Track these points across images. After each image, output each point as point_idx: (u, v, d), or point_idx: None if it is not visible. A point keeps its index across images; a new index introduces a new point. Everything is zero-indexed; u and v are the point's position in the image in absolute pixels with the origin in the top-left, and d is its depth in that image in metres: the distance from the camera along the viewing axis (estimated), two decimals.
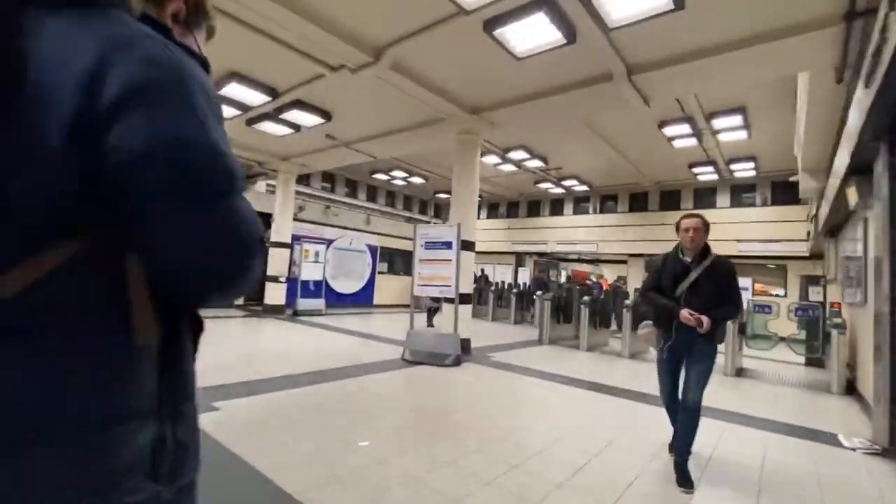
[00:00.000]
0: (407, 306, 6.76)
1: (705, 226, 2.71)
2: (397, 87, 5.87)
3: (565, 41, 4.42)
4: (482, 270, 15.18)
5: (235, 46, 5.32)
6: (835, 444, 3.61)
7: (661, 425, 3.61)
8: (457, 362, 5.73)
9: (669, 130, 9.42)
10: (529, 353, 7.27)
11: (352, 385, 4.46)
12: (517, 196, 18.58)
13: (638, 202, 15.78)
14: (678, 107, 8.40)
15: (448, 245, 6.09)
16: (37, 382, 0.45)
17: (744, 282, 10.75)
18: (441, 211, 20.90)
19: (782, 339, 7.05)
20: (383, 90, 5.99)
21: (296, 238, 11.50)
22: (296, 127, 7.93)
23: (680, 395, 2.73)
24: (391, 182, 16.77)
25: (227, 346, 6.13)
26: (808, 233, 11.04)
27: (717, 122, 8.93)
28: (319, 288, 11.53)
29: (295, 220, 11.77)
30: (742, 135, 9.41)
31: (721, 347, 7.47)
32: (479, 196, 13.78)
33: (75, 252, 0.47)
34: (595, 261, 19.88)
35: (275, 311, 10.76)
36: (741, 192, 13.79)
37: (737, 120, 8.74)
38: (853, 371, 5.66)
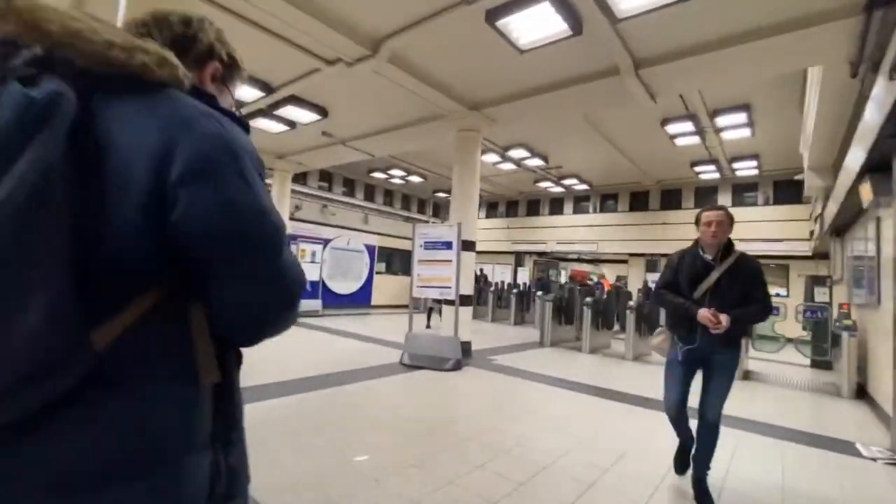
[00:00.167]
0: (405, 307, 6.58)
1: (729, 219, 2.39)
2: (395, 82, 5.68)
3: (571, 33, 4.24)
4: (481, 270, 15.00)
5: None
6: (853, 453, 3.45)
7: (671, 435, 3.44)
8: (457, 366, 5.56)
9: (672, 128, 9.26)
10: (531, 355, 7.10)
11: (349, 392, 4.28)
12: (516, 195, 18.41)
13: (639, 201, 15.63)
14: (681, 104, 8.25)
15: (448, 245, 5.91)
16: (125, 424, 0.51)
17: None
18: (440, 210, 20.71)
19: (790, 340, 6.90)
20: (381, 85, 5.80)
21: (292, 238, 11.29)
22: (291, 124, 7.72)
23: (698, 409, 2.48)
24: (389, 181, 16.57)
25: None
26: (812, 232, 10.90)
27: (721, 120, 8.77)
28: (316, 288, 11.34)
29: (291, 219, 11.58)
30: (745, 132, 9.25)
31: None
32: (479, 195, 13.61)
33: (151, 306, 0.53)
34: (595, 260, 19.73)
35: None
36: (743, 192, 13.65)
37: (741, 117, 8.59)
38: (863, 374, 5.51)
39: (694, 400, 2.54)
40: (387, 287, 13.76)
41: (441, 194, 18.32)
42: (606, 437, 3.41)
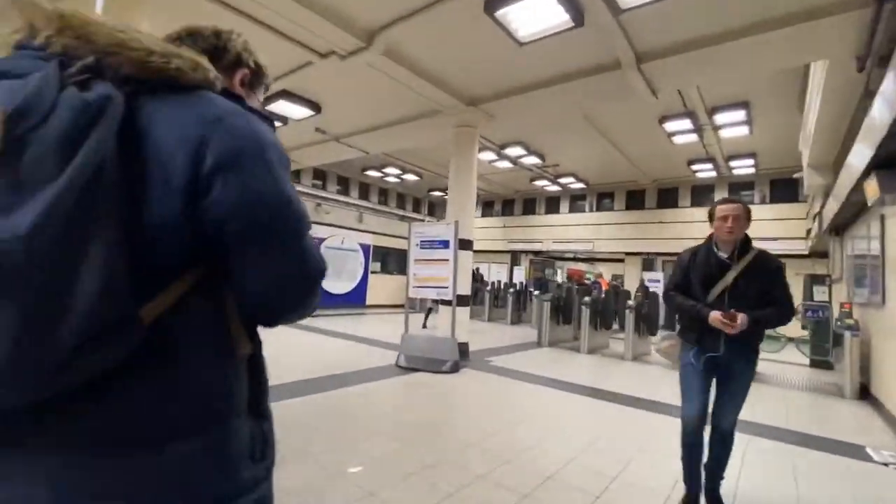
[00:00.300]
0: (401, 307, 6.42)
1: (746, 213, 2.16)
2: (391, 76, 5.52)
3: (572, 24, 4.11)
4: (477, 269, 14.87)
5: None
6: (864, 457, 3.35)
7: (678, 439, 3.33)
8: (455, 368, 5.41)
9: (670, 126, 9.19)
10: (529, 356, 6.97)
11: (343, 396, 4.11)
12: (513, 194, 18.30)
13: (635, 200, 15.58)
14: (680, 101, 8.16)
15: (445, 244, 5.75)
16: (175, 390, 0.58)
17: None
18: (435, 209, 20.56)
19: (791, 339, 6.82)
20: (376, 79, 5.63)
21: None
22: (283, 120, 7.53)
23: (711, 418, 2.29)
24: (384, 179, 16.40)
25: None
26: (809, 231, 10.88)
27: (720, 118, 8.70)
28: None
29: None
30: (744, 130, 9.19)
31: None
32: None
33: (189, 287, 0.60)
34: (591, 259, 19.67)
35: None
36: (739, 190, 13.62)
37: (740, 115, 8.52)
38: (866, 374, 5.44)
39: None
40: (382, 287, 13.58)
41: (437, 193, 18.17)
42: (611, 443, 3.28)
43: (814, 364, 7.47)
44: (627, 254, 15.65)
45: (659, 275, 13.40)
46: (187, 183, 0.57)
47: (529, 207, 18.29)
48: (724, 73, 5.12)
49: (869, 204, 4.90)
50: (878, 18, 3.73)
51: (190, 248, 0.59)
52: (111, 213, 0.50)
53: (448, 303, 5.78)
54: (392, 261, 14.28)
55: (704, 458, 2.33)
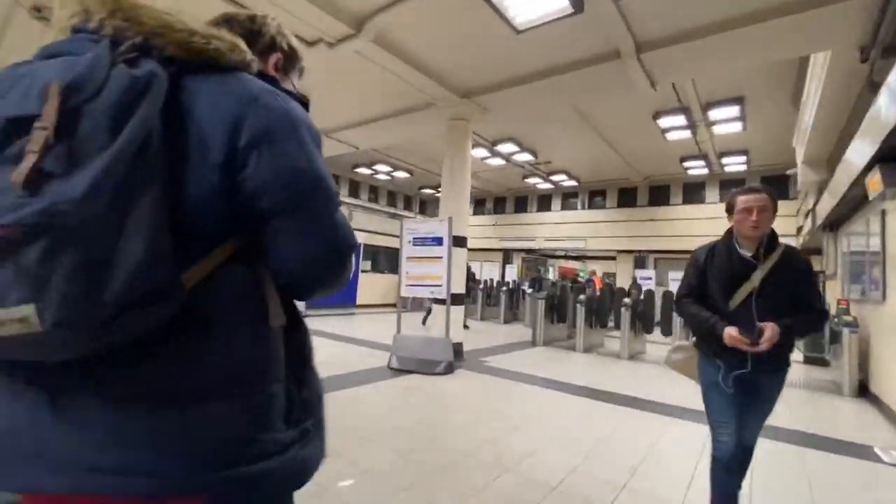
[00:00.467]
0: (392, 306, 6.20)
1: (773, 205, 1.87)
2: (381, 66, 5.29)
3: (572, 10, 3.94)
4: (469, 268, 14.71)
5: (190, 14, 4.66)
6: (874, 458, 3.24)
7: (685, 442, 3.20)
8: (449, 369, 5.22)
9: (664, 122, 9.13)
10: (524, 356, 6.81)
11: (331, 401, 3.85)
12: (504, 192, 18.16)
13: (626, 197, 15.55)
14: (674, 97, 8.08)
15: (438, 241, 5.56)
16: (215, 353, 0.60)
17: None
18: (426, 207, 20.33)
19: None
20: (366, 70, 5.40)
21: None
22: None
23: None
24: (374, 177, 16.13)
25: None
26: (800, 228, 10.92)
27: (714, 113, 8.66)
28: None
29: None
30: (737, 126, 9.17)
31: None
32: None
33: (227, 256, 0.63)
34: (583, 257, 19.64)
35: None
36: (731, 187, 13.61)
37: (734, 111, 8.47)
38: (864, 371, 5.38)
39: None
40: (373, 286, 13.33)
41: (427, 190, 17.95)
42: (614, 448, 3.13)
43: (808, 361, 7.44)
44: (619, 252, 15.62)
45: (651, 272, 13.37)
46: (224, 158, 0.60)
47: (521, 205, 18.16)
48: (724, 64, 4.99)
49: (870, 198, 4.82)
50: (886, 8, 3.63)
51: (227, 221, 0.62)
52: (156, 183, 0.53)
53: (442, 302, 5.58)
54: (383, 259, 14.03)
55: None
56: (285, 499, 0.71)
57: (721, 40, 4.35)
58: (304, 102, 0.74)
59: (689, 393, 4.77)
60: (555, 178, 14.71)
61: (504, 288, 12.14)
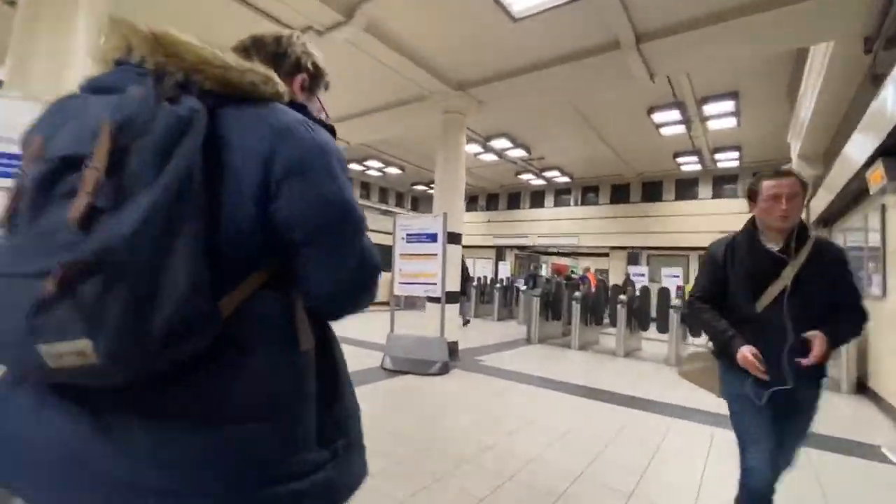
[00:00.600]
0: (385, 304, 6.03)
1: (804, 191, 1.61)
2: (373, 56, 5.09)
3: None
4: (465, 265, 14.56)
5: (175, 1, 4.43)
6: (881, 459, 3.17)
7: (689, 444, 3.09)
8: (444, 370, 5.07)
9: (658, 117, 9.07)
10: (520, 354, 6.70)
11: None
12: (497, 188, 18.04)
13: (619, 194, 15.52)
14: (670, 91, 7.99)
15: (433, 238, 5.39)
16: (249, 377, 0.62)
17: None
18: (419, 204, 20.13)
19: None
20: (357, 60, 5.20)
21: None
22: None
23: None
24: (365, 173, 15.87)
25: None
26: None
27: (708, 108, 8.61)
28: None
29: None
30: (731, 122, 9.13)
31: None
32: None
33: (260, 284, 0.65)
34: (575, 254, 19.63)
35: None
36: (723, 183, 13.68)
37: (728, 105, 8.43)
38: (863, 368, 5.35)
39: None
40: None
41: (420, 187, 17.75)
42: (618, 452, 3.00)
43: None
44: (612, 248, 15.60)
45: (644, 269, 13.36)
46: (259, 189, 0.63)
47: (514, 202, 18.06)
48: (726, 55, 4.86)
49: (871, 193, 4.76)
50: None
51: (261, 249, 0.64)
52: (196, 216, 0.56)
53: (436, 300, 5.42)
54: None
55: None
56: None
57: (723, 30, 4.24)
58: (333, 131, 0.77)
59: (689, 392, 4.70)
60: (548, 174, 14.62)
61: (498, 285, 12.03)
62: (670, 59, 4.79)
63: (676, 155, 11.93)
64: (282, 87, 0.70)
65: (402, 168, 14.68)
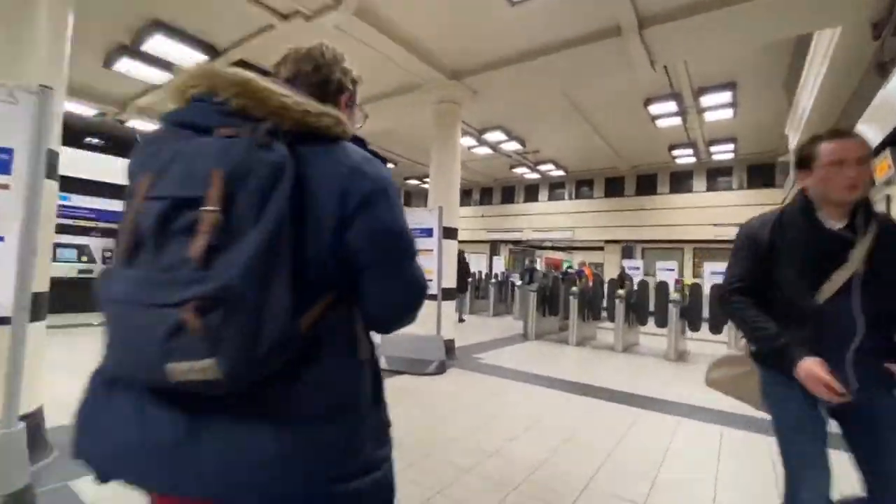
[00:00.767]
0: None
1: (870, 156, 1.35)
2: (364, 43, 4.86)
3: None
4: (465, 260, 14.39)
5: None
6: None
7: (699, 446, 2.95)
8: (441, 369, 4.92)
9: (655, 108, 8.93)
10: (518, 351, 6.56)
11: None
12: (491, 182, 17.87)
13: (614, 187, 15.44)
14: (667, 82, 7.86)
15: (428, 232, 5.21)
16: (325, 384, 0.71)
17: (721, 267, 10.52)
18: (412, 199, 19.89)
19: None
20: (347, 47, 4.85)
21: None
22: None
23: (870, 488, 1.31)
24: None
25: None
26: None
27: (706, 99, 8.50)
28: None
29: None
30: (728, 113, 9.04)
31: (723, 336, 7.09)
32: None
33: (329, 302, 0.73)
34: (569, 248, 19.56)
35: None
36: (717, 176, 13.65)
37: (726, 96, 8.32)
38: None
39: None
40: None
41: (412, 181, 17.50)
42: (627, 457, 2.87)
43: None
44: (607, 241, 15.54)
45: (639, 262, 13.32)
46: (336, 221, 0.71)
47: (508, 196, 17.92)
48: (730, 41, 4.68)
49: (876, 183, 4.67)
50: None
51: (333, 273, 0.73)
52: (287, 249, 0.65)
53: (433, 297, 5.25)
54: None
55: None
56: None
57: (727, 15, 4.08)
58: (386, 161, 0.83)
59: (693, 388, 4.60)
60: (542, 167, 14.48)
61: (493, 280, 11.89)
62: (673, 45, 4.62)
63: (672, 147, 11.85)
64: (348, 127, 0.78)
65: (394, 163, 14.42)
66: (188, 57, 5.63)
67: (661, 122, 9.67)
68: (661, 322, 6.82)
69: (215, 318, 0.57)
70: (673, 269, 11.94)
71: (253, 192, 0.63)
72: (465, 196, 18.82)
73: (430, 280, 5.11)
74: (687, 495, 2.39)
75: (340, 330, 0.75)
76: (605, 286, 8.16)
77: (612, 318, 7.22)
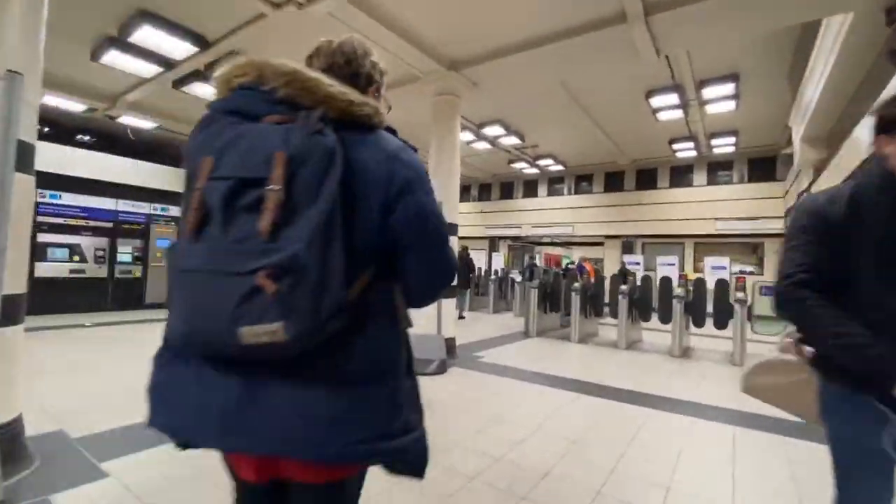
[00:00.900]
0: None
1: None
2: (358, 31, 4.69)
3: None
4: (469, 256, 14.23)
5: None
6: None
7: (714, 449, 2.81)
8: (442, 368, 4.79)
9: (656, 101, 8.77)
10: (520, 349, 6.44)
11: None
12: (490, 178, 17.71)
13: (613, 182, 15.29)
14: (669, 73, 7.71)
15: None
16: (370, 350, 0.79)
17: (722, 261, 10.42)
18: None
19: None
20: (340, 35, 4.78)
21: None
22: None
23: None
24: None
25: (129, 365, 4.87)
26: (789, 209, 10.83)
27: (708, 91, 8.34)
28: None
29: None
30: (730, 105, 8.88)
31: (729, 332, 6.98)
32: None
33: (373, 275, 0.81)
34: (568, 244, 19.43)
35: None
36: (718, 170, 13.52)
37: (728, 88, 8.16)
38: None
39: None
40: None
41: None
42: (639, 462, 2.74)
43: (802, 341, 7.29)
44: (607, 237, 15.41)
45: (639, 258, 13.19)
46: (381, 203, 0.80)
47: (507, 192, 17.76)
48: (738, 28, 4.51)
49: None
50: None
51: (378, 248, 0.81)
52: (341, 224, 0.73)
53: None
54: None
55: None
56: (421, 472, 0.87)
57: (737, 1, 3.93)
58: (415, 148, 0.91)
59: (702, 386, 4.49)
60: (541, 162, 14.32)
61: (493, 277, 11.77)
62: (680, 33, 4.46)
63: (672, 141, 11.70)
64: (384, 117, 0.86)
65: None
66: (178, 49, 5.45)
67: (662, 115, 9.52)
68: (665, 318, 6.71)
69: (285, 284, 0.65)
70: (673, 264, 11.82)
71: (311, 173, 0.70)
72: (464, 192, 18.65)
73: None
74: (705, 502, 2.26)
75: (383, 301, 0.84)
76: (608, 282, 8.03)
77: (614, 315, 7.10)
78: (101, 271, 8.72)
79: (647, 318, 7.22)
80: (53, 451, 2.58)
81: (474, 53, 5.27)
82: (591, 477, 2.48)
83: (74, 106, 7.79)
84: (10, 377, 2.36)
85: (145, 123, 8.83)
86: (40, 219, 7.96)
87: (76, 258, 8.43)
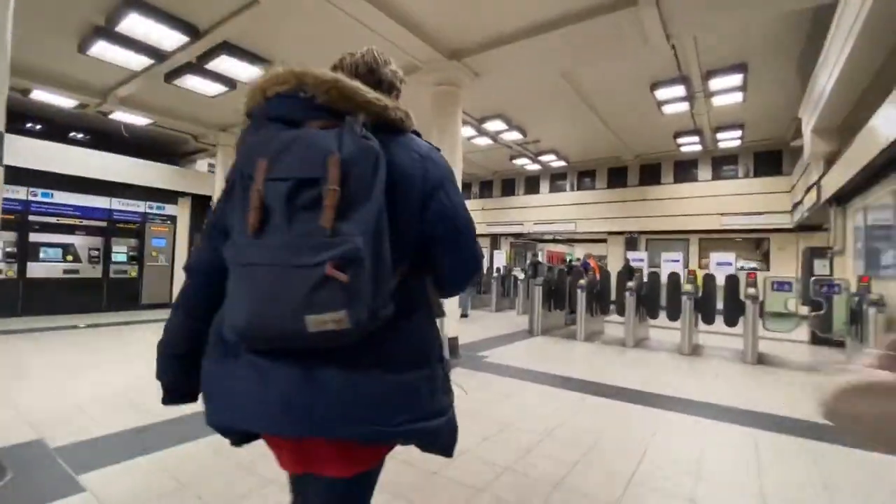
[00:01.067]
0: None
1: None
2: (355, 19, 4.49)
3: None
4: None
5: None
6: None
7: (738, 454, 2.62)
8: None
9: (661, 93, 8.56)
10: (525, 348, 6.25)
11: None
12: (491, 175, 17.49)
13: (617, 177, 15.06)
14: (675, 64, 7.50)
15: None
16: (409, 339, 0.87)
17: (728, 256, 10.22)
18: None
19: (804, 318, 6.39)
20: (337, 24, 4.59)
21: None
22: (230, 83, 6.36)
23: None
24: None
25: (120, 369, 4.68)
26: (796, 204, 10.61)
27: (714, 83, 8.14)
28: None
29: None
30: (737, 97, 8.68)
31: (739, 329, 6.78)
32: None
33: (408, 269, 0.89)
34: (571, 241, 19.23)
35: None
36: (723, 165, 13.30)
37: (736, 79, 7.96)
38: None
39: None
40: None
41: None
42: (656, 472, 2.55)
43: (814, 340, 7.11)
44: (610, 233, 15.20)
45: (643, 254, 12.98)
46: (420, 199, 0.87)
47: (508, 188, 17.54)
48: (752, 8, 4.30)
49: None
50: None
51: (413, 243, 0.88)
52: (387, 222, 0.80)
53: None
54: None
55: None
56: (451, 451, 0.96)
57: None
58: (439, 149, 1.00)
59: (715, 387, 4.28)
60: (543, 158, 14.10)
61: (495, 274, 11.58)
62: (693, 16, 4.26)
63: (677, 135, 11.48)
64: (412, 121, 0.95)
65: None
66: (168, 38, 5.25)
67: (667, 108, 9.30)
68: (674, 315, 6.52)
69: (349, 274, 0.72)
70: (678, 260, 11.63)
71: (362, 174, 0.77)
72: (465, 189, 18.45)
73: None
74: None
75: (420, 292, 0.93)
76: (615, 279, 7.83)
77: (621, 313, 6.91)
78: (96, 271, 8.54)
79: (654, 316, 7.03)
80: (29, 462, 2.40)
81: (476, 41, 5.06)
82: (607, 489, 2.29)
83: (64, 102, 7.60)
84: None
85: (139, 119, 8.63)
86: (32, 218, 7.80)
87: (70, 258, 8.26)
